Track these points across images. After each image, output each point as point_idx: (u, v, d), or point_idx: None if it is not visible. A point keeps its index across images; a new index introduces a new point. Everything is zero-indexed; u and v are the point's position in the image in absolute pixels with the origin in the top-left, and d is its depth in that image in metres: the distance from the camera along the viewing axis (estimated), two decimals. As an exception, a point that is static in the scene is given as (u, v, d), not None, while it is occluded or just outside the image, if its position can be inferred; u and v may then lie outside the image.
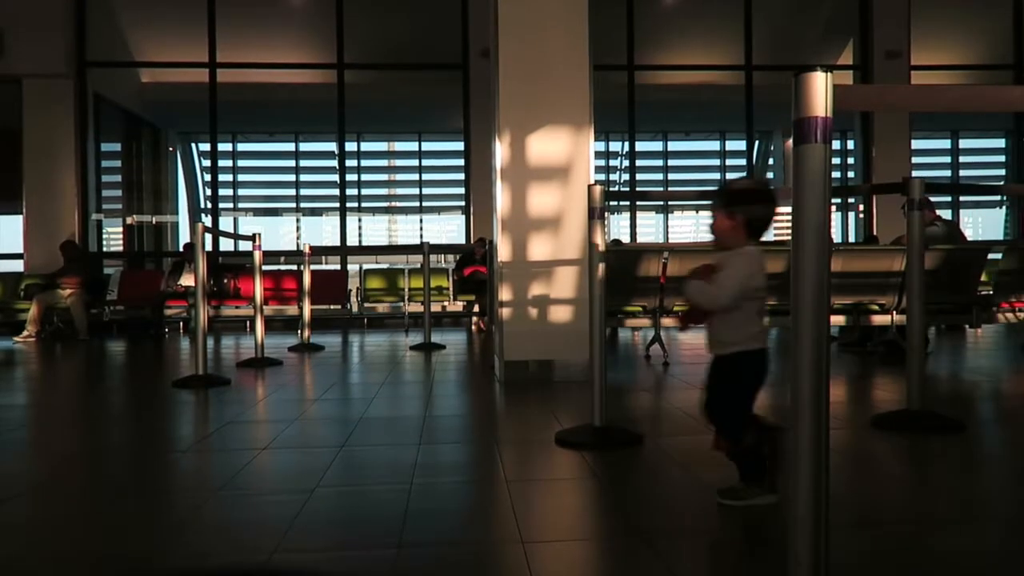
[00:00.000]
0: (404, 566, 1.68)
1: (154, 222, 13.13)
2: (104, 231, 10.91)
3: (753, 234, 2.00)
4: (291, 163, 15.06)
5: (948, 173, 14.50)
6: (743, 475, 2.07)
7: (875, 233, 10.34)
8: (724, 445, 2.06)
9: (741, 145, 13.52)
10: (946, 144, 14.61)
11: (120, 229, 11.87)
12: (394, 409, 3.69)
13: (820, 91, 1.27)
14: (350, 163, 12.65)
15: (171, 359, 6.45)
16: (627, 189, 12.23)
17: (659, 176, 15.21)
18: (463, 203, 11.02)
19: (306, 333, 6.99)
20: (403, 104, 13.17)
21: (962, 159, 14.67)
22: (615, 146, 14.13)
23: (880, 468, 2.58)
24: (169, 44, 11.24)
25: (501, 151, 4.56)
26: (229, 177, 14.56)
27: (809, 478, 1.28)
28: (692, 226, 15.32)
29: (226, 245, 10.45)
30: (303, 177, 14.96)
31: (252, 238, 5.89)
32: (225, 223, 13.31)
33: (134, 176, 12.61)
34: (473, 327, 9.30)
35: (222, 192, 13.90)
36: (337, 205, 11.05)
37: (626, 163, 11.86)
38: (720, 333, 2.03)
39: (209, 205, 11.26)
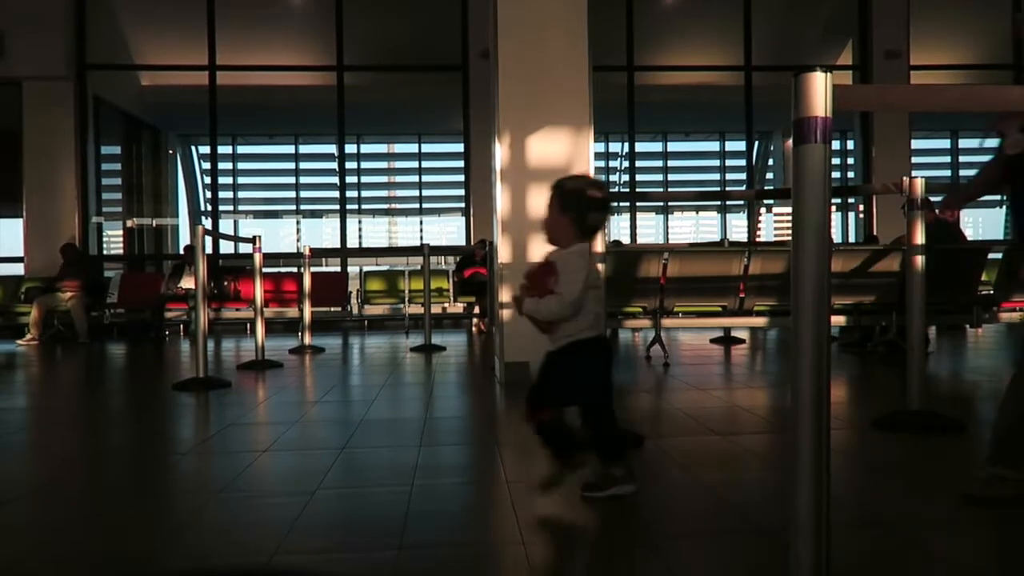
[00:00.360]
0: (405, 567, 1.68)
1: (154, 225, 13.14)
2: (104, 234, 10.92)
3: (584, 235, 2.01)
4: (291, 165, 15.07)
5: (948, 173, 14.50)
6: (603, 458, 2.09)
7: (875, 233, 10.35)
8: (545, 415, 2.09)
9: (741, 146, 13.54)
10: (946, 144, 14.62)
11: (120, 232, 11.88)
12: (395, 411, 3.69)
13: (820, 91, 1.27)
14: (350, 165, 12.65)
15: (171, 362, 6.45)
16: (627, 190, 12.24)
17: (659, 177, 15.22)
18: (463, 204, 11.03)
19: (306, 335, 6.99)
20: (403, 106, 13.17)
21: (962, 159, 14.68)
22: (615, 147, 14.14)
23: (880, 468, 2.58)
24: (169, 47, 11.26)
25: (501, 152, 4.56)
26: (229, 179, 14.57)
27: (809, 478, 1.28)
28: (692, 226, 15.34)
29: (226, 247, 10.45)
30: (303, 179, 14.97)
31: (252, 240, 5.90)
32: (225, 225, 13.33)
33: (134, 179, 12.62)
34: (473, 328, 9.30)
35: (222, 194, 13.90)
36: (337, 207, 11.06)
37: (626, 164, 11.87)
38: (563, 326, 2.04)
39: (209, 207, 11.27)
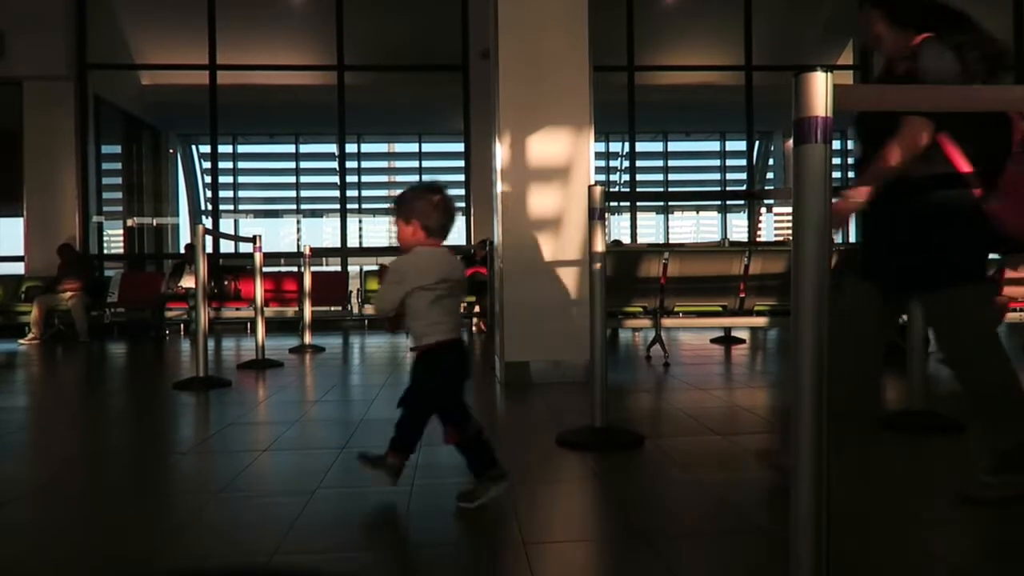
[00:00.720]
0: (405, 567, 1.68)
1: (155, 224, 13.14)
2: (105, 233, 10.91)
3: (431, 234, 2.09)
4: (291, 165, 15.06)
5: (948, 173, 14.47)
6: (473, 471, 2.11)
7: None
8: (454, 436, 2.11)
9: (741, 145, 13.53)
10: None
11: (121, 231, 11.87)
12: (395, 411, 3.68)
13: (820, 91, 1.27)
14: (350, 164, 12.65)
15: (172, 361, 6.45)
16: (627, 189, 12.23)
17: (659, 176, 15.21)
18: (463, 204, 11.02)
19: (307, 335, 6.98)
20: (403, 105, 13.16)
21: (962, 159, 14.65)
22: (615, 147, 14.14)
23: (880, 468, 2.58)
24: (169, 46, 11.25)
25: (501, 152, 4.56)
26: (229, 179, 14.57)
27: (810, 478, 1.28)
28: (692, 226, 15.33)
29: (227, 247, 10.44)
30: (303, 179, 14.97)
31: (252, 240, 5.89)
32: (225, 225, 13.32)
33: (135, 178, 12.61)
34: (474, 328, 9.29)
35: (222, 194, 13.90)
36: (337, 206, 11.05)
37: (626, 163, 11.86)
38: (413, 329, 2.10)
39: (209, 207, 11.26)
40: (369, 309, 2.16)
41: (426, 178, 14.83)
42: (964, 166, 2.04)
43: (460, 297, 2.17)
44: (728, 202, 13.36)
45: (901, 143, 2.02)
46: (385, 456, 2.16)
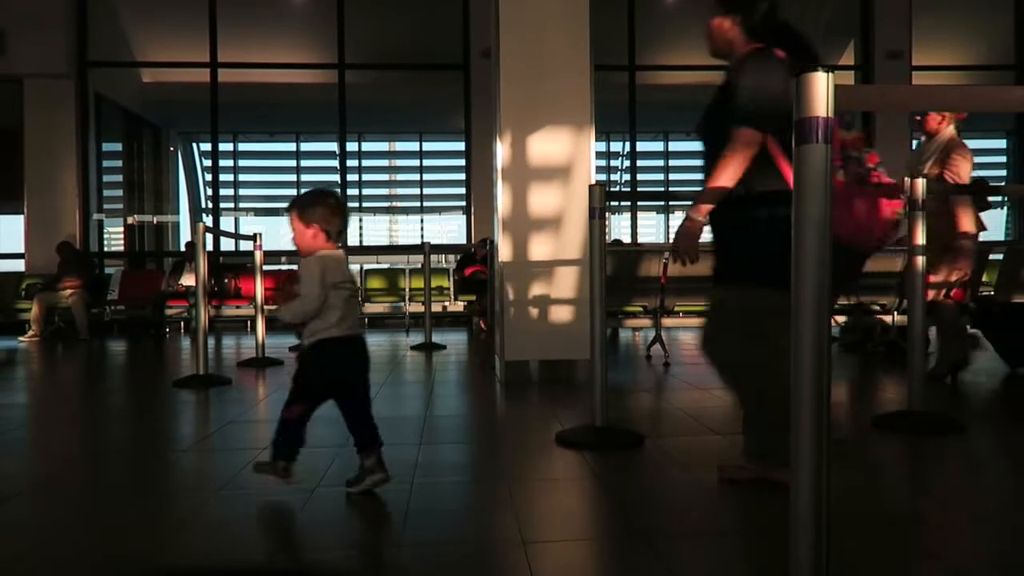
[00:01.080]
0: (405, 565, 1.68)
1: (155, 222, 13.13)
2: (105, 231, 10.91)
3: (330, 238, 2.22)
4: (292, 163, 15.05)
5: (949, 173, 14.46)
6: (274, 450, 2.23)
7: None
8: (294, 411, 2.25)
9: (742, 145, 13.49)
10: (947, 144, 14.58)
11: (121, 229, 11.87)
12: (395, 409, 3.69)
13: (821, 91, 1.27)
14: (351, 163, 12.64)
15: (172, 359, 6.45)
16: (628, 189, 12.23)
17: (660, 176, 15.19)
18: (464, 203, 11.02)
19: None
20: (404, 104, 13.16)
21: (963, 159, 14.64)
22: (616, 146, 14.12)
23: (880, 468, 2.58)
24: (170, 44, 11.24)
25: (502, 151, 4.56)
26: (230, 177, 14.55)
27: (810, 478, 1.28)
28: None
29: (227, 245, 10.44)
30: (304, 177, 14.94)
31: (253, 238, 5.89)
32: (226, 223, 13.29)
33: (135, 176, 12.61)
34: (474, 327, 9.29)
35: (223, 192, 13.87)
36: (338, 205, 11.04)
37: (627, 163, 11.85)
38: (315, 326, 2.20)
39: (210, 205, 11.26)
40: (282, 313, 2.26)
41: (427, 177, 14.83)
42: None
43: (357, 297, 2.33)
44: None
45: (730, 157, 2.07)
46: (362, 465, 2.22)
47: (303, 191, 2.34)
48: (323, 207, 2.22)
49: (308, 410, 2.27)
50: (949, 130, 4.17)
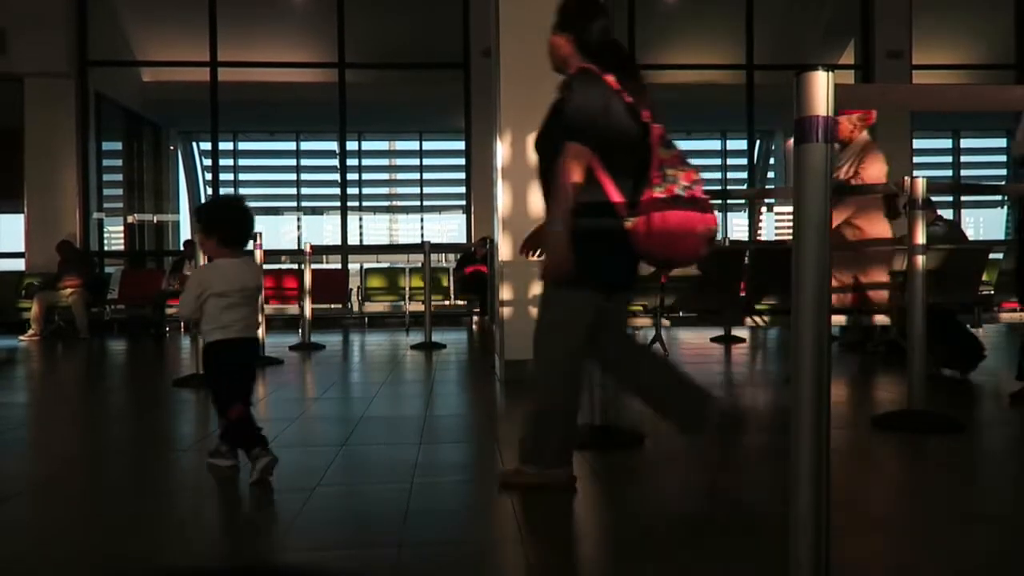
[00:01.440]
0: (405, 565, 1.68)
1: (155, 221, 13.13)
2: (105, 230, 10.91)
3: (229, 245, 2.33)
4: (292, 162, 15.05)
5: (949, 173, 14.48)
6: (224, 437, 2.35)
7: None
8: (238, 411, 2.30)
9: (742, 145, 13.50)
10: (947, 144, 14.59)
11: (121, 228, 11.87)
12: (395, 408, 3.70)
13: (822, 90, 1.27)
14: (351, 162, 12.64)
15: (172, 358, 6.45)
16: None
17: (660, 176, 15.17)
18: (464, 202, 11.02)
19: (307, 332, 6.98)
20: (404, 103, 13.15)
21: (963, 159, 14.65)
22: (616, 146, 14.10)
23: (880, 468, 2.58)
24: (170, 43, 11.24)
25: (502, 151, 4.56)
26: (230, 176, 14.55)
27: (809, 478, 1.28)
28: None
29: (227, 244, 10.42)
30: (304, 176, 14.95)
31: (253, 237, 5.88)
32: (226, 222, 13.28)
33: (135, 175, 12.60)
34: (474, 326, 9.30)
35: (223, 191, 13.87)
36: (338, 204, 11.05)
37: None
38: (203, 328, 2.35)
39: (210, 204, 11.22)
40: (175, 311, 2.50)
41: (427, 176, 14.83)
42: (615, 196, 2.19)
43: (256, 301, 2.46)
44: (728, 201, 13.33)
45: (562, 169, 2.16)
46: (220, 443, 2.38)
47: (208, 199, 2.49)
48: (221, 217, 2.32)
49: (241, 402, 2.32)
50: (863, 136, 4.25)
